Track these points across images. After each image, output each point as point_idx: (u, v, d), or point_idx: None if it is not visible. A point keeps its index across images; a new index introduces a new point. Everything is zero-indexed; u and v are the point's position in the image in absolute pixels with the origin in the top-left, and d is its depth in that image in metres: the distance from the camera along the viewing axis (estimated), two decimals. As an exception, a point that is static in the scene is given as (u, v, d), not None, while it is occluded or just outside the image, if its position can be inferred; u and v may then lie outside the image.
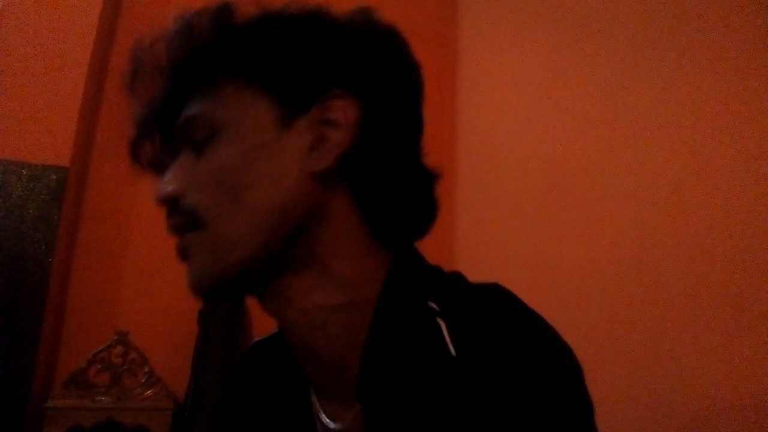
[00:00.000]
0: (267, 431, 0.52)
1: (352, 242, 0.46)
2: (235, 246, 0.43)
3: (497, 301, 0.43)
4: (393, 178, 0.48)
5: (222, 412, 0.57)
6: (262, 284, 0.46)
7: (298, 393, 0.51)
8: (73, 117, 1.78)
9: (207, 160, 0.45)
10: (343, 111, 0.45)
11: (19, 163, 1.69)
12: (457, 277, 0.48)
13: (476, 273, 1.75)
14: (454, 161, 2.25)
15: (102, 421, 1.53)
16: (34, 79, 1.76)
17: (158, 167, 0.51)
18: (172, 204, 0.46)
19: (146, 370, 1.65)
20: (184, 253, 0.46)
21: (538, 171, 1.76)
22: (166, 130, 0.49)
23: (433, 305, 0.42)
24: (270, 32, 0.46)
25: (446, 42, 2.41)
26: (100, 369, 1.62)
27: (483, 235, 2.01)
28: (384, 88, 0.48)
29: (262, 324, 1.20)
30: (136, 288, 1.88)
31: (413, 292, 0.44)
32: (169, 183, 0.46)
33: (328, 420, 0.47)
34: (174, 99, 0.48)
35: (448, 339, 0.39)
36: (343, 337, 0.45)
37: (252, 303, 0.56)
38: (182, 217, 0.45)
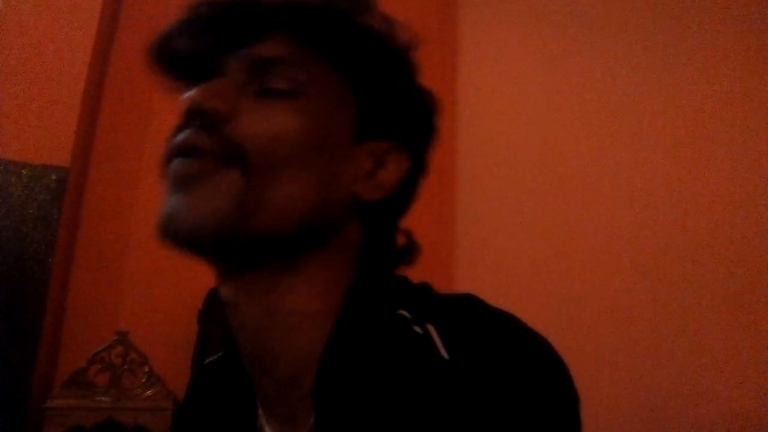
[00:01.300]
0: None
1: (343, 264, 0.46)
2: (270, 211, 0.40)
3: (473, 308, 0.41)
4: (395, 232, 0.52)
5: None
6: (254, 264, 0.43)
7: (245, 416, 0.48)
8: (73, 117, 1.78)
9: (276, 112, 0.42)
10: (398, 162, 0.48)
11: (19, 163, 1.69)
12: (427, 287, 0.47)
13: (476, 273, 1.77)
14: (454, 161, 2.25)
15: (102, 421, 1.53)
16: (34, 79, 1.76)
17: (184, 70, 0.47)
18: (206, 119, 0.41)
19: (146, 370, 1.65)
20: (190, 181, 0.40)
21: (538, 171, 1.76)
22: (225, 45, 0.45)
23: (404, 313, 0.41)
24: (391, 55, 0.48)
25: (446, 42, 2.41)
26: (100, 369, 1.62)
27: (483, 235, 2.01)
28: (423, 157, 0.52)
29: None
30: (136, 288, 1.88)
31: (378, 299, 0.43)
32: (219, 97, 0.41)
33: None
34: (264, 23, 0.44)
35: (439, 343, 0.38)
36: (307, 347, 0.42)
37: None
38: (219, 143, 0.40)
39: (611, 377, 1.35)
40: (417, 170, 0.51)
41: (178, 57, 0.47)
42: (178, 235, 0.40)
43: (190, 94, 0.41)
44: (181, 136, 0.41)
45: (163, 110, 2.01)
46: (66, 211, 1.74)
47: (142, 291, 1.88)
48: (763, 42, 1.12)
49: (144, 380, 1.64)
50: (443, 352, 0.37)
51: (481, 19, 2.27)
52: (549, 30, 1.83)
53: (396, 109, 0.48)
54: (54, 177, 1.71)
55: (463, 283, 2.08)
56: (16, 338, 1.60)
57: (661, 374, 1.23)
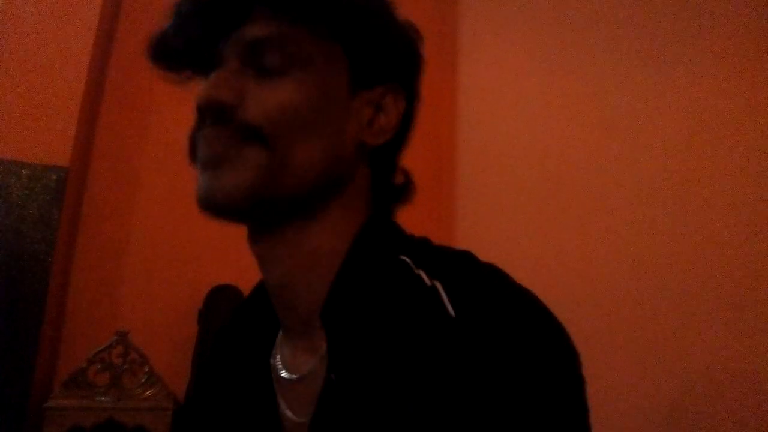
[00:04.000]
0: (231, 385, 0.56)
1: (358, 208, 0.51)
2: (293, 175, 0.46)
3: (472, 265, 0.46)
4: (398, 164, 0.57)
5: (204, 368, 0.62)
6: (282, 221, 0.48)
7: (263, 349, 0.54)
8: (73, 117, 1.78)
9: (278, 88, 0.46)
10: (396, 103, 0.53)
11: (19, 163, 1.69)
12: (426, 240, 0.51)
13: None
14: (454, 161, 2.25)
15: (102, 421, 1.53)
16: (34, 79, 1.76)
17: (183, 63, 0.51)
18: (220, 111, 0.45)
19: (146, 370, 1.66)
20: (219, 162, 0.45)
21: (538, 170, 1.76)
22: (217, 34, 0.48)
23: (406, 258, 0.45)
24: (368, 7, 0.50)
25: (446, 42, 2.41)
26: (100, 369, 1.62)
27: (483, 235, 2.01)
28: (416, 88, 0.56)
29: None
30: (136, 288, 1.88)
31: (381, 243, 0.49)
32: (223, 89, 0.45)
33: (284, 372, 0.51)
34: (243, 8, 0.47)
35: (444, 295, 0.41)
36: (324, 283, 0.48)
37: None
38: (236, 128, 0.45)
39: (611, 377, 1.35)
40: (412, 103, 0.55)
41: (175, 53, 0.51)
42: (218, 207, 0.45)
43: (199, 92, 0.46)
44: (203, 132, 0.46)
45: (163, 110, 2.01)
46: (66, 211, 1.74)
47: (142, 291, 1.88)
48: (763, 41, 1.13)
49: (144, 380, 1.64)
50: (448, 305, 0.40)
51: (481, 19, 2.27)
52: (549, 30, 1.83)
53: (384, 55, 0.51)
54: (54, 177, 1.71)
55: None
56: (16, 338, 1.60)
57: (661, 374, 1.23)
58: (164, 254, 1.90)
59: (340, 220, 0.49)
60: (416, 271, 0.43)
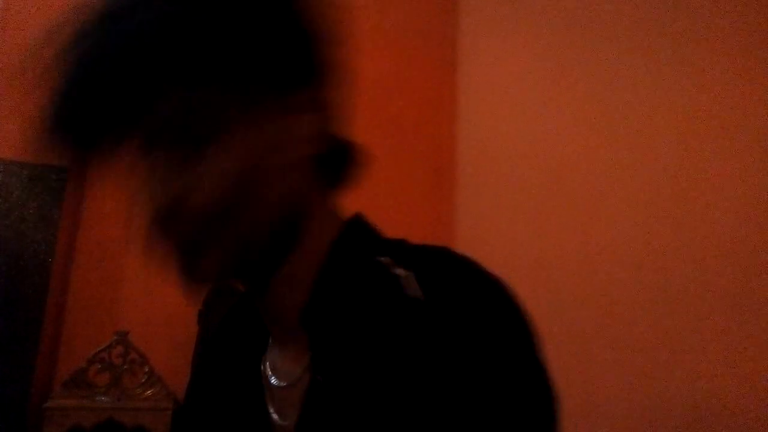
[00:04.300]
0: (222, 391, 0.57)
1: (329, 213, 0.52)
2: (255, 236, 0.46)
3: (445, 256, 0.47)
4: (341, 147, 0.55)
5: (197, 372, 0.63)
6: (270, 267, 0.49)
7: (254, 355, 0.55)
8: (73, 117, 1.78)
9: (215, 159, 0.44)
10: (314, 99, 0.50)
11: (19, 163, 1.69)
12: (404, 241, 0.51)
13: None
14: (454, 161, 2.25)
15: (102, 421, 1.53)
16: (34, 79, 1.76)
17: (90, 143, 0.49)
18: (169, 212, 0.45)
19: (146, 370, 1.66)
20: (195, 250, 0.46)
21: (538, 170, 1.76)
22: (124, 126, 0.46)
23: (383, 259, 0.46)
24: (253, 32, 0.46)
25: (446, 42, 2.41)
26: (100, 369, 1.62)
27: (483, 235, 2.01)
28: (333, 78, 0.53)
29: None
30: (136, 288, 1.88)
31: (357, 247, 0.50)
32: (161, 190, 0.45)
33: (273, 379, 0.52)
34: (143, 94, 0.45)
35: (415, 284, 0.43)
36: (305, 291, 0.49)
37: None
38: (195, 217, 0.45)
39: (611, 377, 1.35)
40: (331, 93, 0.52)
41: (81, 137, 0.48)
42: (215, 280, 0.47)
43: (143, 199, 0.46)
44: (162, 232, 0.46)
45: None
46: (66, 211, 1.74)
47: (142, 291, 1.88)
48: (763, 42, 1.12)
49: (144, 380, 1.64)
50: (418, 293, 0.42)
51: (481, 19, 2.27)
52: (549, 30, 1.83)
53: (275, 74, 0.48)
54: (54, 177, 1.71)
55: (463, 283, 2.08)
56: (16, 338, 1.60)
57: (661, 374, 1.23)
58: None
59: (315, 237, 0.50)
60: (392, 270, 0.44)
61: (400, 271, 0.44)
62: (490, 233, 1.96)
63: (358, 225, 0.53)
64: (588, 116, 1.59)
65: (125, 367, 1.65)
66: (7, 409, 1.55)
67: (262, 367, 0.54)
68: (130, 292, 1.88)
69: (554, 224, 1.66)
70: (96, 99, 0.45)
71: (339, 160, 0.54)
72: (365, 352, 0.42)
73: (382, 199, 2.19)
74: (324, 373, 0.45)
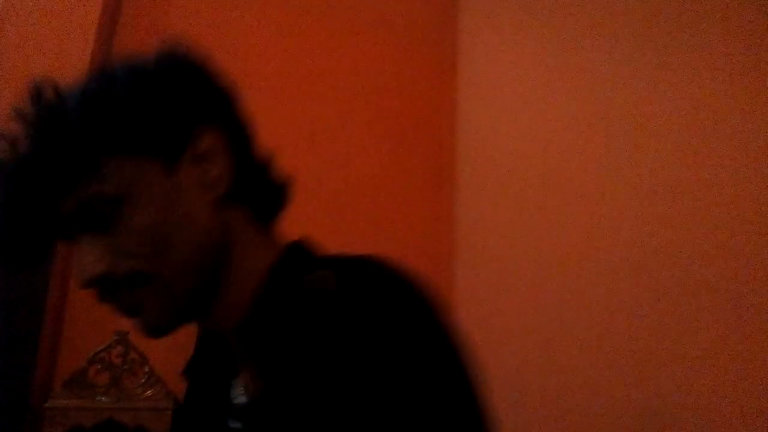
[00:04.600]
0: (199, 415, 0.62)
1: (257, 242, 0.56)
2: (181, 285, 0.52)
3: (364, 261, 0.51)
4: (263, 177, 0.59)
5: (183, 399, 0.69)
6: (207, 306, 0.55)
7: (226, 377, 0.60)
8: (73, 117, 1.77)
9: (124, 229, 0.50)
10: (211, 141, 0.54)
11: (19, 163, 1.68)
12: (339, 255, 0.54)
13: (476, 273, 1.76)
14: (454, 161, 2.25)
15: (102, 421, 1.53)
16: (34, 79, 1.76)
17: (25, 260, 0.55)
18: (103, 281, 0.51)
19: (146, 370, 1.66)
20: (136, 309, 0.52)
21: (538, 170, 1.76)
22: (40, 221, 0.52)
23: (310, 279, 0.49)
24: (122, 104, 0.51)
25: (446, 42, 2.41)
26: (100, 369, 1.62)
27: (483, 235, 2.01)
28: (227, 110, 0.57)
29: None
30: (136, 288, 1.88)
31: (293, 270, 0.53)
32: (92, 264, 0.51)
33: (236, 396, 0.57)
34: (54, 190, 0.50)
35: (332, 282, 0.47)
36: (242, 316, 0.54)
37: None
38: (125, 282, 0.51)
39: (611, 377, 1.35)
40: (235, 131, 0.57)
41: (19, 256, 0.55)
42: (164, 335, 0.55)
43: (78, 280, 0.52)
44: (103, 299, 0.54)
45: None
46: (66, 211, 1.74)
47: (142, 291, 1.88)
48: (763, 41, 1.12)
49: (144, 380, 1.64)
50: (333, 286, 0.47)
51: (481, 19, 2.27)
52: (549, 30, 1.83)
53: (162, 131, 0.53)
54: (54, 177, 1.71)
55: (464, 283, 2.08)
56: (16, 338, 1.60)
57: (660, 374, 1.23)
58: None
59: (247, 263, 0.54)
60: (314, 276, 0.49)
61: (321, 272, 0.48)
62: (490, 233, 1.96)
63: (296, 249, 0.57)
64: (588, 116, 1.59)
65: (125, 367, 1.64)
66: (7, 409, 1.55)
67: (231, 391, 0.59)
68: (130, 292, 1.88)
69: (554, 224, 1.66)
70: (17, 219, 0.51)
71: (260, 194, 0.58)
72: (288, 359, 0.46)
73: (382, 199, 2.19)
74: (264, 386, 0.49)
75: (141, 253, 0.50)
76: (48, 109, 0.53)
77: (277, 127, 2.15)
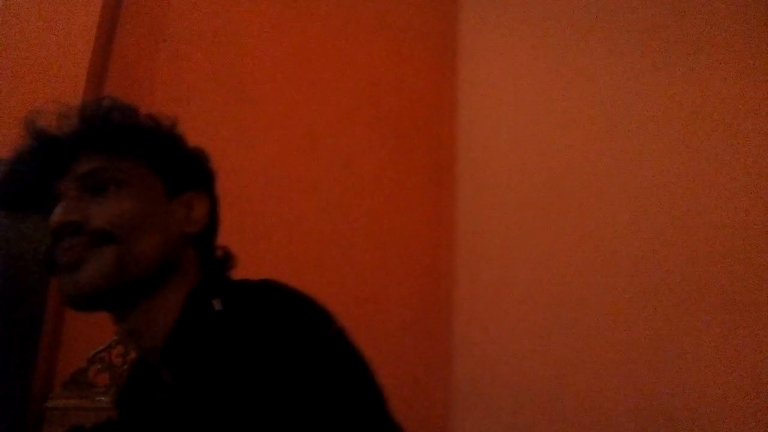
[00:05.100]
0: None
1: (191, 279, 0.67)
2: (137, 264, 0.61)
3: (260, 285, 0.61)
4: (215, 244, 0.75)
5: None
6: (134, 303, 0.63)
7: (157, 407, 0.67)
8: (73, 117, 1.77)
9: (112, 201, 0.62)
10: (201, 202, 0.71)
11: (19, 163, 1.68)
12: (243, 281, 0.65)
13: (476, 273, 1.76)
14: (454, 161, 2.25)
15: (102, 421, 1.53)
16: (34, 79, 1.76)
17: (25, 204, 0.66)
18: (73, 227, 0.59)
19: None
20: (77, 263, 0.59)
21: (538, 171, 1.76)
22: (52, 172, 0.64)
23: (216, 302, 0.59)
24: (168, 142, 0.70)
25: (446, 42, 2.41)
26: (100, 369, 1.62)
27: (483, 235, 2.01)
28: (213, 192, 0.75)
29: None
30: (136, 288, 1.88)
31: (201, 297, 0.62)
32: (71, 212, 0.60)
33: (162, 409, 0.64)
34: (75, 151, 0.64)
35: (219, 306, 0.58)
36: (165, 335, 0.63)
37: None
38: (89, 236, 0.60)
39: (611, 376, 1.35)
40: (213, 201, 0.74)
41: (17, 197, 0.66)
42: (85, 297, 0.60)
43: (52, 218, 0.60)
44: (59, 245, 0.60)
45: (162, 111, 2.01)
46: (66, 211, 1.74)
47: (142, 291, 1.88)
48: (764, 41, 1.13)
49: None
50: (219, 307, 0.58)
51: (481, 19, 2.27)
52: (549, 30, 1.83)
53: (183, 172, 0.71)
54: (54, 177, 1.71)
55: (463, 283, 2.08)
56: (16, 338, 1.60)
57: (661, 374, 1.23)
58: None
59: (176, 291, 0.64)
60: (212, 304, 0.59)
61: (215, 303, 0.59)
62: (490, 233, 1.97)
63: (206, 282, 0.67)
64: (588, 116, 1.59)
65: (125, 367, 1.64)
66: (7, 409, 1.55)
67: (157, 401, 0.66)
68: (130, 292, 1.88)
69: (554, 224, 1.66)
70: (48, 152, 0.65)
71: (210, 251, 0.72)
72: (198, 372, 0.55)
73: (382, 199, 2.19)
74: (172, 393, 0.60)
75: (118, 223, 0.61)
76: (115, 107, 0.67)
77: (278, 128, 2.15)
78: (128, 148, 0.66)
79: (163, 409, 0.63)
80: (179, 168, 0.70)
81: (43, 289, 1.65)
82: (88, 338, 1.74)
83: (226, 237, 0.76)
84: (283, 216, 2.00)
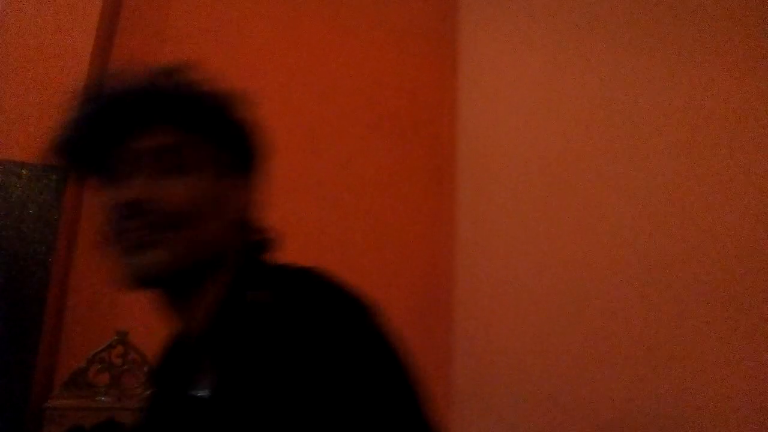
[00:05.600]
0: (163, 404, 0.70)
1: (234, 260, 0.66)
2: (204, 249, 0.61)
3: (303, 274, 0.60)
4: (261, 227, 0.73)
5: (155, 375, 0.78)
6: (192, 282, 0.63)
7: (189, 379, 0.66)
8: (73, 117, 1.77)
9: (184, 182, 0.61)
10: (246, 190, 0.69)
11: (19, 163, 1.69)
12: (284, 266, 0.64)
13: (476, 273, 1.75)
14: (454, 161, 2.25)
15: (102, 421, 1.53)
16: (34, 79, 1.76)
17: (90, 162, 0.64)
18: (142, 207, 0.58)
19: (146, 370, 1.66)
20: (144, 245, 0.58)
21: (538, 170, 1.76)
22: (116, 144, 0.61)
23: (253, 295, 0.59)
24: (240, 123, 0.68)
25: (446, 42, 2.41)
26: (100, 369, 1.62)
27: (483, 235, 2.01)
28: (257, 175, 0.72)
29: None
30: (136, 288, 1.88)
31: (244, 284, 0.62)
32: (143, 189, 0.59)
33: (198, 392, 0.63)
34: (146, 122, 0.61)
35: (269, 299, 0.56)
36: (203, 323, 0.63)
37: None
38: (159, 219, 0.58)
39: (611, 377, 1.35)
40: (255, 184, 0.71)
41: (84, 154, 0.64)
42: (147, 280, 0.59)
43: (121, 192, 0.60)
44: (128, 223, 0.59)
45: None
46: (66, 211, 1.74)
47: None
48: (765, 41, 1.13)
49: (144, 380, 1.64)
50: (269, 300, 0.56)
51: (481, 19, 2.27)
52: (549, 31, 1.83)
53: (245, 153, 0.69)
54: (54, 177, 1.71)
55: (464, 283, 2.08)
56: (16, 338, 1.60)
57: (661, 375, 1.23)
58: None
59: (222, 274, 0.64)
60: (254, 296, 0.58)
61: (253, 295, 0.58)
62: (490, 233, 1.97)
63: (249, 264, 0.66)
64: (588, 116, 1.59)
65: (125, 367, 1.65)
66: (7, 409, 1.55)
67: (193, 383, 0.65)
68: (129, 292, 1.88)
69: (554, 224, 1.66)
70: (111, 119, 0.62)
71: (254, 238, 0.70)
72: (236, 363, 0.55)
73: (382, 199, 2.19)
74: (219, 380, 0.58)
75: (188, 207, 0.60)
76: (191, 81, 0.65)
77: (278, 127, 2.15)
78: (204, 127, 0.64)
79: (198, 394, 0.62)
80: (244, 150, 0.69)
81: (43, 289, 1.65)
82: (88, 338, 1.74)
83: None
84: (282, 216, 2.00)
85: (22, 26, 1.79)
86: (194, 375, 0.64)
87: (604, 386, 1.36)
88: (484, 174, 2.07)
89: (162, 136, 0.61)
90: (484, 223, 2.02)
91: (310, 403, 0.49)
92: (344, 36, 2.31)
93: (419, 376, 0.56)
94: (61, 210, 1.71)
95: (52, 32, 1.81)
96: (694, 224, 1.22)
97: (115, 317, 1.83)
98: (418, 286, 2.13)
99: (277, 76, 2.18)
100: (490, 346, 1.85)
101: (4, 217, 1.65)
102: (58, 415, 1.51)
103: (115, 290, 1.87)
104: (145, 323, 1.81)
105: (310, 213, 2.07)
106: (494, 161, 2.02)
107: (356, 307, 0.56)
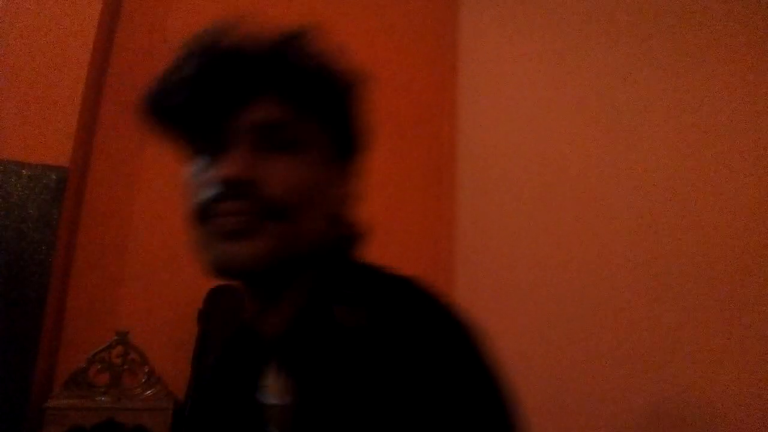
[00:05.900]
0: (225, 411, 0.63)
1: (322, 256, 0.58)
2: (304, 242, 0.54)
3: (401, 289, 0.54)
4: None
5: (203, 384, 0.70)
6: (284, 278, 0.56)
7: (254, 378, 0.61)
8: (73, 117, 1.78)
9: (291, 166, 0.53)
10: (347, 180, 0.61)
11: (19, 163, 1.69)
12: (376, 273, 0.58)
13: (476, 273, 1.76)
14: (454, 161, 2.25)
15: (102, 421, 1.53)
16: (34, 79, 1.76)
17: (180, 123, 0.55)
18: (244, 188, 0.51)
19: (146, 370, 1.66)
20: (241, 234, 0.51)
21: (538, 170, 1.76)
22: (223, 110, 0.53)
23: (339, 308, 0.52)
24: (355, 106, 0.60)
25: (446, 42, 2.41)
26: (100, 369, 1.62)
27: (483, 235, 2.01)
28: (361, 161, 0.64)
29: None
30: (136, 288, 1.88)
31: (326, 292, 0.55)
32: (245, 168, 0.51)
33: (269, 398, 0.57)
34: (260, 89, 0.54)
35: (364, 318, 0.49)
36: (283, 325, 0.57)
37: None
38: (262, 205, 0.51)
39: (612, 377, 1.35)
40: (357, 173, 0.64)
41: (177, 113, 0.55)
42: (237, 272, 0.52)
43: (222, 168, 0.52)
44: (225, 205, 0.51)
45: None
46: (66, 211, 1.74)
47: (142, 291, 1.88)
48: (765, 41, 1.13)
49: (144, 380, 1.65)
50: (363, 323, 0.49)
51: (482, 19, 2.27)
52: (549, 30, 1.83)
53: (353, 140, 0.61)
54: (54, 177, 1.71)
55: (464, 283, 2.08)
56: (16, 338, 1.60)
57: (662, 375, 1.23)
58: (164, 254, 1.90)
59: (311, 274, 0.57)
60: (343, 315, 0.52)
61: (352, 312, 0.51)
62: (490, 233, 1.96)
63: (336, 265, 0.59)
64: (588, 116, 1.59)
65: (125, 367, 1.65)
66: (7, 409, 1.55)
67: (261, 389, 0.59)
68: (130, 292, 1.88)
69: (554, 224, 1.66)
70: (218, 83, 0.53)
71: (346, 233, 0.62)
72: (322, 379, 0.50)
73: (382, 200, 2.19)
74: (301, 396, 0.52)
75: (292, 196, 0.52)
76: (313, 52, 0.59)
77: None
78: (319, 106, 0.56)
79: (267, 401, 0.57)
80: (353, 137, 0.61)
81: (43, 289, 1.65)
82: (88, 338, 1.74)
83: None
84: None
85: (22, 27, 1.79)
86: (262, 380, 0.59)
87: (605, 386, 1.36)
88: (484, 174, 2.07)
89: (273, 108, 0.53)
90: (484, 222, 2.02)
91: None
92: (344, 36, 2.31)
93: (518, 406, 0.52)
94: (61, 210, 1.71)
95: (53, 32, 1.81)
96: (694, 224, 1.22)
97: (115, 317, 1.83)
98: (418, 286, 2.13)
99: (277, 76, 2.18)
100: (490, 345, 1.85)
101: (4, 217, 1.65)
102: (58, 415, 1.51)
103: (114, 290, 1.88)
104: (145, 323, 1.82)
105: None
106: (494, 161, 2.01)
107: (463, 337, 0.50)
